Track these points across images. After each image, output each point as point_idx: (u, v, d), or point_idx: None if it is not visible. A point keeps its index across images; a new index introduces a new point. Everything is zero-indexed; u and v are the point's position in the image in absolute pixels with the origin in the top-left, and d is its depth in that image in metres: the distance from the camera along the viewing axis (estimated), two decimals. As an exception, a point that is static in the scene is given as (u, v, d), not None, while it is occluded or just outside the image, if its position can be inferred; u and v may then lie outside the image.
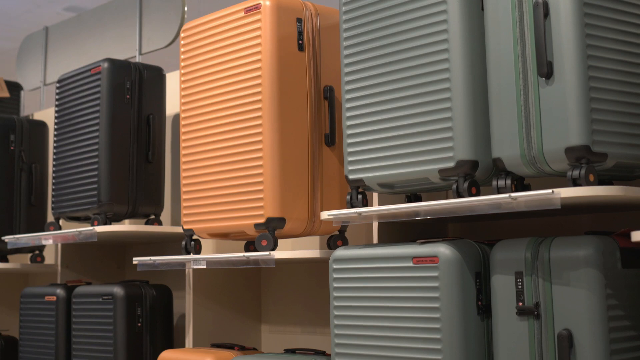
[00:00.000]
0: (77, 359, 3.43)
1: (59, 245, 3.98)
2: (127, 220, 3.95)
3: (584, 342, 2.01)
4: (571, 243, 2.07)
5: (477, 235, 2.78)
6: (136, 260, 3.21)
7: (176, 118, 3.83)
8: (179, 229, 3.45)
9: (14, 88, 5.16)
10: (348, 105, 2.50)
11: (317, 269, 3.28)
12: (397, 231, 2.65)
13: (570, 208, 2.33)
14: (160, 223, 3.59)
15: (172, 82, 3.79)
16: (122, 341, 3.27)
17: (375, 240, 2.62)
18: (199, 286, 3.32)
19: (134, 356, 3.28)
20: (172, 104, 3.79)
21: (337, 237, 2.90)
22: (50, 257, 4.40)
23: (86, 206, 3.51)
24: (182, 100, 3.06)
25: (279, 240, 3.00)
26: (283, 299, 3.43)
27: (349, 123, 2.49)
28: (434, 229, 2.80)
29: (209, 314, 3.34)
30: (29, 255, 4.24)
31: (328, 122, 2.84)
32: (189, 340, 3.28)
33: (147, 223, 3.58)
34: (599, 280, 2.03)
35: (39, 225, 4.13)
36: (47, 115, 4.65)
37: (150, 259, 3.13)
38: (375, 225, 2.63)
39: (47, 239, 3.61)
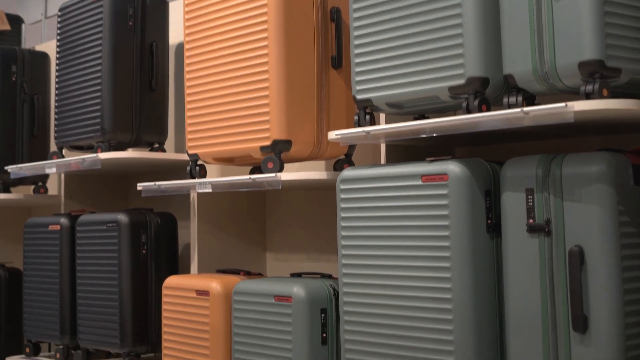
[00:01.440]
0: (82, 287, 3.42)
1: (62, 176, 3.95)
2: (130, 149, 3.92)
3: (595, 258, 1.99)
4: (583, 159, 2.04)
5: (485, 159, 2.74)
6: (140, 186, 3.18)
7: (179, 48, 3.78)
8: (183, 156, 3.42)
9: (15, 21, 5.09)
10: (356, 24, 2.45)
11: (322, 196, 3.26)
12: (404, 155, 2.62)
13: (582, 127, 2.30)
14: (164, 151, 3.56)
15: (176, 12, 3.73)
16: (127, 268, 3.25)
17: (382, 163, 2.59)
18: (203, 213, 3.30)
19: (139, 283, 3.27)
20: (175, 34, 3.74)
21: (343, 161, 2.87)
22: (53, 188, 4.38)
23: (89, 134, 3.48)
24: (187, 24, 3.01)
25: (285, 165, 2.98)
26: (288, 226, 3.41)
27: (356, 42, 2.45)
28: (442, 153, 2.76)
29: (214, 241, 3.32)
30: (32, 187, 4.22)
31: (335, 44, 2.79)
32: (194, 267, 3.27)
33: (151, 151, 3.55)
34: (611, 196, 2.00)
35: (42, 156, 4.10)
36: (49, 48, 4.59)
37: (155, 184, 3.11)
38: (383, 147, 2.59)
39: (51, 168, 3.58)
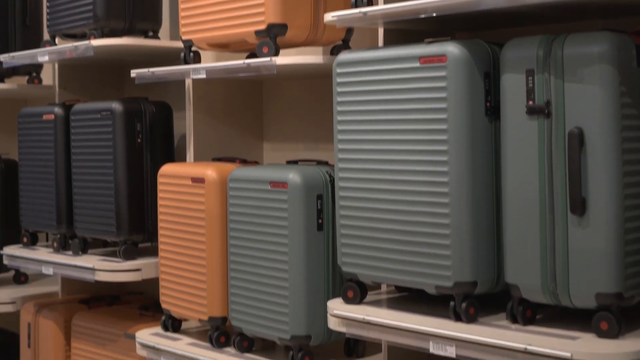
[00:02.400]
0: (77, 177, 3.40)
1: (57, 66, 3.89)
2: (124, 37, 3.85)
3: (595, 140, 1.95)
4: (586, 39, 1.98)
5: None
6: (134, 72, 3.13)
7: None
8: (178, 44, 3.35)
9: None
10: None
11: (319, 85, 3.21)
12: (402, 39, 2.55)
13: (584, 9, 2.23)
14: (158, 39, 3.49)
15: None
16: (122, 157, 3.22)
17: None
18: (199, 103, 3.25)
19: (134, 172, 3.24)
20: None
21: (341, 46, 2.81)
22: (48, 79, 4.32)
23: (82, 22, 3.41)
24: None
25: (281, 51, 2.91)
26: (285, 116, 3.37)
27: None
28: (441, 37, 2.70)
29: (210, 131, 3.28)
30: (26, 78, 4.16)
31: None
32: (189, 156, 3.24)
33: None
34: (613, 76, 1.95)
35: (35, 46, 4.03)
36: None
37: (149, 71, 3.06)
38: (381, 32, 2.53)
39: (43, 56, 3.52)
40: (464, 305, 2.16)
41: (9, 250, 3.71)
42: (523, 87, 2.05)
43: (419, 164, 2.21)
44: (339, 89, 2.39)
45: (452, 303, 2.18)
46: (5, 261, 3.71)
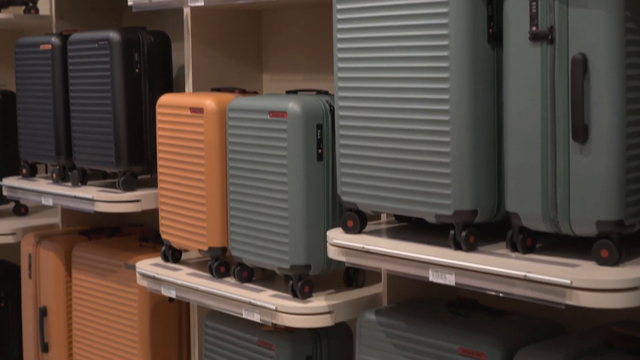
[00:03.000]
0: (76, 107, 3.38)
1: (53, -6, 3.84)
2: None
3: (598, 66, 1.92)
4: (591, -37, 1.95)
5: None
6: (131, 0, 3.08)
7: None
8: (176, -28, 3.30)
9: None
10: None
11: (319, 15, 3.17)
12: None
13: None
14: (156, -32, 3.43)
15: None
16: (120, 87, 3.19)
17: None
18: (197, 32, 3.21)
19: (133, 102, 3.21)
20: None
21: (341, -27, 2.76)
22: (44, 9, 4.26)
23: (78, -50, 3.36)
24: None
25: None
26: (284, 46, 3.33)
27: None
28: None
29: (209, 61, 3.25)
30: (22, 8, 4.11)
31: None
32: (188, 86, 3.21)
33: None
34: (618, 1, 1.91)
35: (31, -24, 3.98)
36: None
37: (146, -1, 3.02)
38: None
39: (39, -15, 3.47)
40: (463, 233, 2.15)
41: (8, 181, 3.70)
42: (526, 12, 2.02)
43: (420, 92, 2.18)
44: (339, 16, 2.36)
45: (451, 232, 2.18)
46: (5, 192, 3.71)
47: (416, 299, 2.58)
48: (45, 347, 3.58)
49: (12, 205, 4.13)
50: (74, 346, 3.51)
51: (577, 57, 1.94)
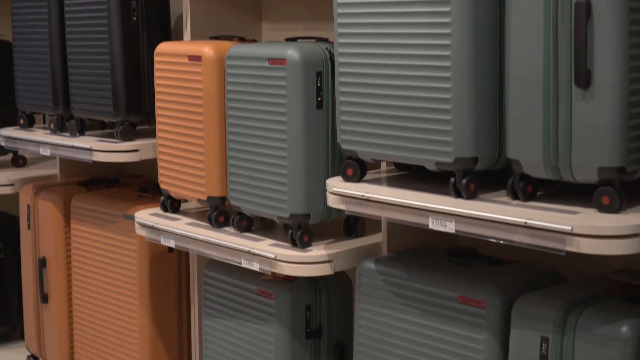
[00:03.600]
0: (73, 57, 3.34)
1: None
2: None
3: (602, 10, 1.88)
4: None
5: None
6: (128, -53, 3.04)
7: None
8: None
9: None
10: None
11: (319, -39, 3.13)
12: None
13: None
14: None
15: None
16: (117, 36, 3.16)
17: None
18: (195, -20, 3.18)
19: (131, 51, 3.18)
20: None
21: None
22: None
23: None
24: None
25: None
26: (284, -6, 3.30)
27: None
28: None
29: (208, 10, 3.21)
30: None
31: None
32: (186, 35, 3.18)
33: None
34: (622, -56, 1.88)
35: None
36: None
37: (143, -55, 2.97)
38: None
39: None
40: (464, 181, 2.14)
41: (5, 131, 3.68)
42: (529, -44, 1.99)
43: (421, 38, 2.16)
44: (339, -39, 2.32)
45: (452, 179, 2.16)
46: (2, 142, 3.68)
47: (416, 249, 2.57)
48: (44, 298, 3.59)
49: (10, 156, 4.11)
50: (73, 297, 3.52)
51: (580, 0, 1.91)
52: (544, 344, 2.03)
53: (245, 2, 3.33)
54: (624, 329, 1.92)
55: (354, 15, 2.30)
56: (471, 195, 2.14)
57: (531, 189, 2.10)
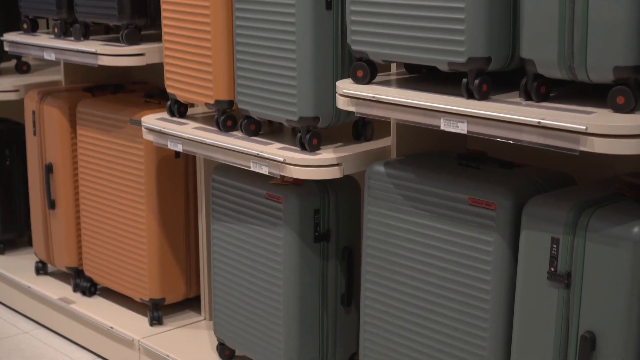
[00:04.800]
0: None
1: None
2: None
3: None
4: None
5: None
6: None
7: None
8: None
9: None
10: None
11: None
12: None
13: None
14: None
15: None
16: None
17: None
18: None
19: (135, -47, 3.12)
20: None
21: None
22: None
23: None
24: None
25: None
26: None
27: None
28: None
29: None
30: None
31: None
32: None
33: None
34: None
35: None
36: None
37: None
38: None
39: None
40: (476, 81, 2.11)
41: (9, 36, 3.63)
42: None
43: None
44: None
45: (464, 80, 2.13)
46: (6, 47, 3.64)
47: (424, 153, 2.55)
48: (52, 204, 3.59)
49: (14, 62, 4.07)
50: (80, 202, 3.52)
51: None
52: (554, 245, 2.03)
53: None
54: (636, 229, 1.91)
55: None
56: (484, 96, 2.12)
57: (544, 90, 2.07)
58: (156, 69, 3.26)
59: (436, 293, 2.29)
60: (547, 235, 2.04)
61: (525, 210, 2.09)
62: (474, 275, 2.20)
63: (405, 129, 2.52)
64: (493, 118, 2.00)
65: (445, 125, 2.11)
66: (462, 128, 2.07)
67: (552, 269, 2.03)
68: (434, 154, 2.53)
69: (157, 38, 3.22)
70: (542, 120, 1.91)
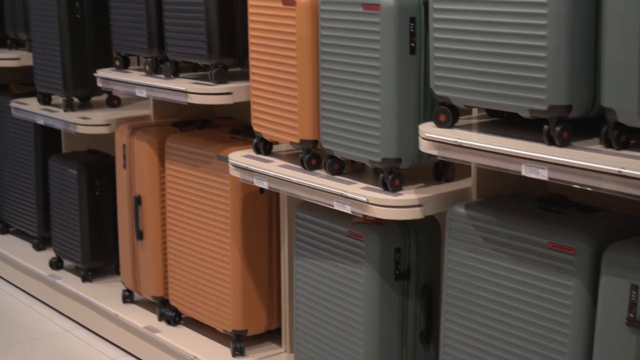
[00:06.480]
0: None
1: None
2: None
3: None
4: None
5: None
6: None
7: None
8: None
9: None
10: None
11: None
12: None
13: None
14: None
15: None
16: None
17: None
18: None
19: (225, -5, 3.24)
20: None
21: None
22: None
23: None
24: None
25: None
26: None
27: None
28: None
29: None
30: None
31: None
32: (279, -21, 3.21)
33: None
34: None
35: None
36: None
37: None
38: None
39: None
40: (557, 128, 2.15)
41: (102, 73, 3.78)
42: None
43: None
44: None
45: (545, 127, 2.17)
46: (99, 84, 3.79)
47: (504, 194, 2.59)
48: (140, 235, 3.70)
49: (105, 96, 4.22)
50: (167, 234, 3.63)
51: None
52: (633, 292, 2.05)
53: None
54: None
55: (449, -38, 2.31)
56: (564, 143, 2.15)
57: (625, 138, 2.10)
58: (241, 105, 3.36)
59: (515, 335, 2.32)
60: (626, 282, 2.06)
61: (605, 255, 2.12)
62: (552, 318, 2.23)
63: (485, 170, 2.56)
64: (574, 165, 2.04)
65: (526, 171, 2.15)
66: (542, 174, 2.11)
67: (632, 315, 2.05)
68: (514, 196, 2.57)
69: (244, 76, 3.32)
70: (622, 170, 1.94)
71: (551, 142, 2.17)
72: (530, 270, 2.27)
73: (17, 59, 4.59)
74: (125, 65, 3.78)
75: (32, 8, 4.20)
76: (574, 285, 2.18)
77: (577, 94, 2.14)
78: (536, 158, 2.12)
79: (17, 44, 4.79)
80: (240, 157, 3.09)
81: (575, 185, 2.06)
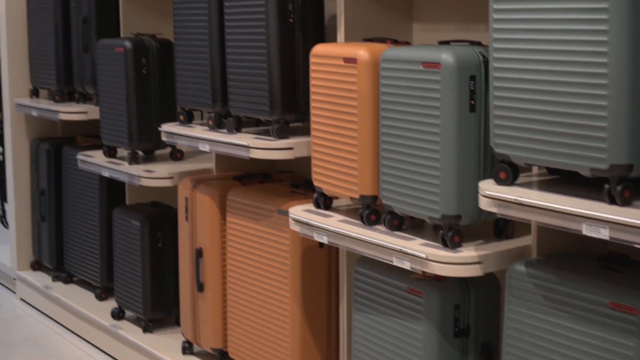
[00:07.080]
0: (232, 57, 3.48)
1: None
2: None
3: None
4: None
5: None
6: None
7: None
8: None
9: None
10: None
11: (473, -36, 3.16)
12: None
13: None
14: None
15: None
16: (275, 36, 3.28)
17: None
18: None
19: (287, 51, 3.29)
20: None
21: None
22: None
23: None
24: None
25: None
26: (437, -4, 3.34)
27: None
28: None
29: (360, 11, 3.29)
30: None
31: None
32: (340, 36, 3.26)
33: None
34: None
35: None
36: None
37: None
38: None
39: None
40: (619, 188, 2.14)
41: (167, 127, 3.85)
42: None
43: (578, 44, 2.17)
44: (496, -32, 2.35)
45: (606, 186, 2.17)
46: (164, 138, 3.86)
47: (564, 252, 2.58)
48: (200, 287, 3.74)
49: (168, 150, 4.30)
50: (227, 287, 3.66)
51: None
52: (698, 354, 2.02)
53: (397, 2, 3.39)
54: None
55: (510, 21, 2.33)
56: (626, 202, 2.15)
57: (688, 197, 2.09)
58: (302, 159, 3.40)
59: (576, 395, 2.29)
60: (690, 344, 2.03)
61: (667, 317, 2.09)
62: (615, 379, 2.20)
63: (546, 228, 2.55)
64: (636, 225, 2.03)
65: (587, 231, 2.14)
66: (604, 234, 2.10)
67: (696, 378, 2.02)
68: (574, 254, 2.55)
69: (305, 131, 3.36)
70: (685, 230, 1.93)
71: (612, 201, 2.16)
72: (591, 330, 2.25)
73: (85, 112, 4.71)
74: (189, 119, 3.85)
75: (99, 63, 4.31)
76: (635, 346, 2.15)
77: (638, 153, 2.13)
78: (597, 217, 2.11)
79: (85, 98, 4.90)
80: (301, 211, 3.12)
81: (637, 245, 2.04)
